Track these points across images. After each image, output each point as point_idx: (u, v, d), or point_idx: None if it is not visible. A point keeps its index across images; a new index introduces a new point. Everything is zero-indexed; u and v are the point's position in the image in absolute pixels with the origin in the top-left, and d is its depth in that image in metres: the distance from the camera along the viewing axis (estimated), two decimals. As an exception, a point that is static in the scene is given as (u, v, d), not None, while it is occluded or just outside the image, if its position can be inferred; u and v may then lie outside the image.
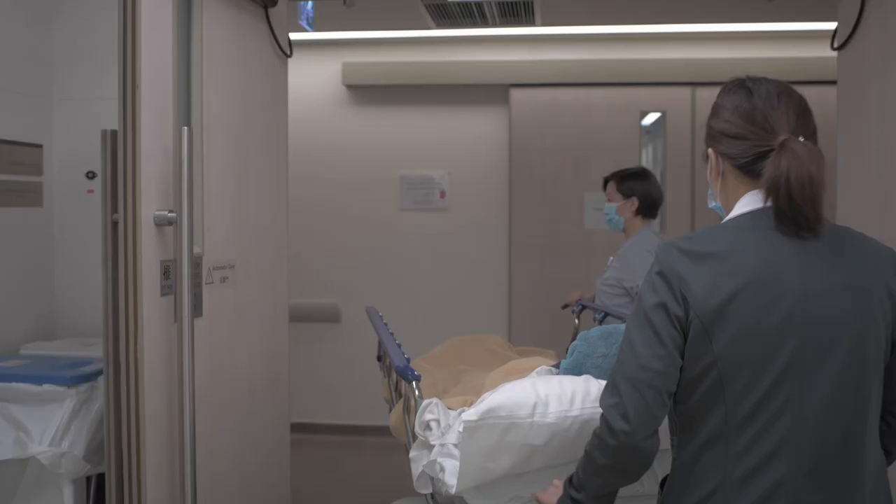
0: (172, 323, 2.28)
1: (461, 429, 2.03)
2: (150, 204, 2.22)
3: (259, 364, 3.02)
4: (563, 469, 1.96)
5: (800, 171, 1.50)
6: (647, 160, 5.81)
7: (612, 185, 4.02)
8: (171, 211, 2.24)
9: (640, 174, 4.00)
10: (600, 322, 3.50)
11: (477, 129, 5.88)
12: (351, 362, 5.74)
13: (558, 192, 5.74)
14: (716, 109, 1.73)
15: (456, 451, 2.11)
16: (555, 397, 2.01)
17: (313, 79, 5.94)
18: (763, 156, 1.58)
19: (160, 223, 2.25)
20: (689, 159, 5.65)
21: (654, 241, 3.68)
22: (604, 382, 1.71)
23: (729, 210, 1.68)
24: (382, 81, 5.84)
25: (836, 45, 3.13)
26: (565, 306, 4.39)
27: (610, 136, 5.70)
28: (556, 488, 1.79)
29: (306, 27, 4.42)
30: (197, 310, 2.49)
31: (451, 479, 2.08)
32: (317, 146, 5.91)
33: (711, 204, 1.79)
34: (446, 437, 2.17)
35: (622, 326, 2.13)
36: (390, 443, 3.50)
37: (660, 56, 5.64)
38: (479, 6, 4.80)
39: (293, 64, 5.89)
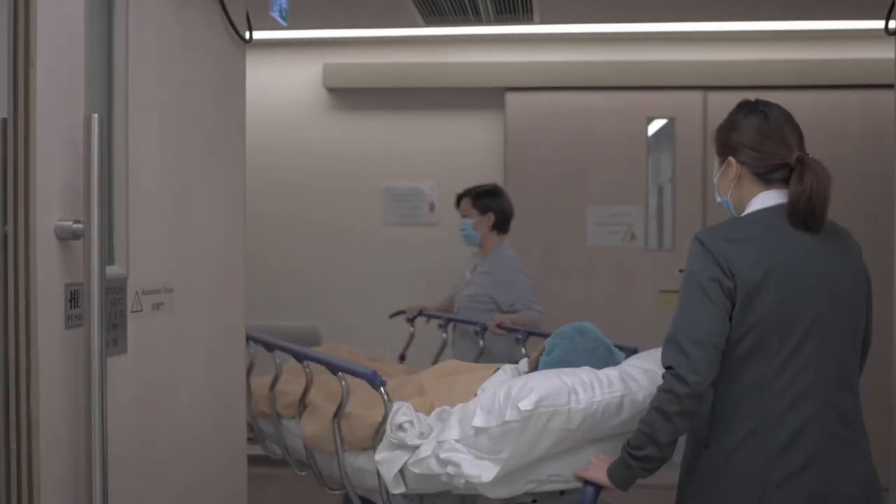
0: (82, 362, 1.79)
1: (504, 419, 2.24)
2: (50, 212, 1.73)
3: (206, 404, 2.53)
4: (579, 451, 2.37)
5: (819, 186, 1.99)
6: (654, 170, 5.38)
7: (466, 202, 4.38)
8: (77, 221, 1.76)
9: (495, 191, 4.43)
10: (524, 342, 3.91)
11: (469, 136, 5.48)
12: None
13: (558, 205, 5.33)
14: (734, 125, 2.17)
15: (460, 446, 2.33)
16: (579, 385, 2.32)
17: (291, 81, 5.55)
18: (778, 167, 2.07)
19: (64, 236, 1.76)
20: (700, 168, 5.22)
21: (517, 259, 4.35)
22: (609, 371, 2.46)
23: (741, 206, 2.14)
24: (367, 84, 5.45)
25: (892, 28, 2.69)
26: (397, 314, 4.70)
27: (614, 145, 5.30)
28: (601, 461, 2.21)
29: (279, 20, 3.96)
30: (118, 345, 2.00)
31: (472, 470, 2.28)
32: (294, 154, 5.52)
33: (719, 199, 2.23)
34: (444, 433, 2.38)
35: (589, 324, 2.82)
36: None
37: (668, 58, 5.25)
38: (473, 2, 4.49)
39: (269, 65, 5.60)
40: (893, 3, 2.73)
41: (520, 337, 3.94)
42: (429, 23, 4.94)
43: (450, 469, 2.32)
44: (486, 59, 5.38)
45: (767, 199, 2.07)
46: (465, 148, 5.48)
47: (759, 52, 5.20)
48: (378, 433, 2.55)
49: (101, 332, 1.75)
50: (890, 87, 5.03)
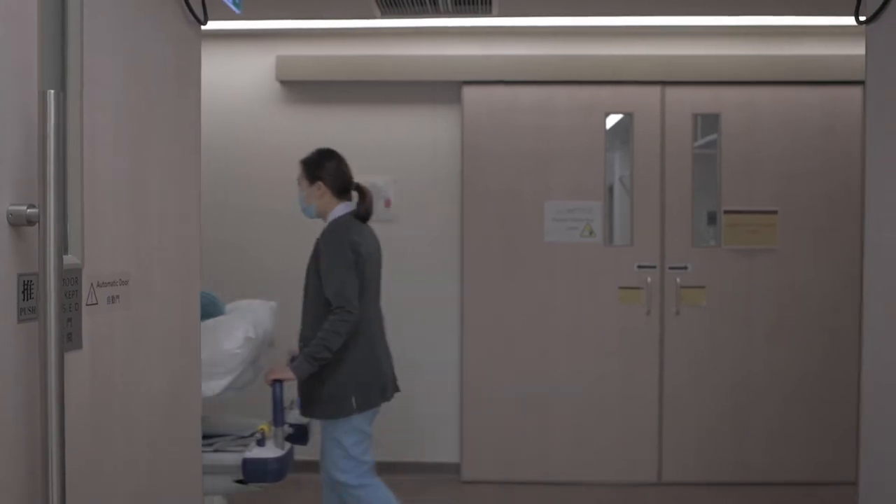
0: (37, 359, 1.65)
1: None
2: (2, 196, 1.60)
3: (162, 404, 2.39)
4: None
5: (371, 199, 3.72)
6: (612, 165, 5.35)
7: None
8: (31, 206, 1.63)
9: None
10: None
11: (426, 130, 5.39)
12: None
13: (516, 200, 5.26)
14: (323, 161, 3.74)
15: None
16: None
17: (243, 73, 5.40)
18: (347, 188, 3.71)
19: (17, 222, 1.63)
20: (659, 163, 5.20)
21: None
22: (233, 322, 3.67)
23: (324, 213, 3.69)
24: (321, 77, 5.31)
25: (863, 17, 2.65)
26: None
27: (572, 139, 5.24)
28: (280, 367, 3.58)
29: (232, 6, 3.82)
30: (73, 340, 1.87)
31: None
32: (246, 149, 5.37)
33: (308, 212, 3.76)
34: None
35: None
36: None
37: (627, 52, 5.20)
38: (431, -7, 4.39)
39: (221, 57, 5.44)
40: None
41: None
42: (386, 14, 4.84)
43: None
44: (443, 52, 5.28)
45: (345, 207, 3.66)
46: (422, 142, 5.38)
47: (717, 48, 5.19)
48: None
49: (58, 326, 1.62)
50: (849, 83, 5.10)
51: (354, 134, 5.32)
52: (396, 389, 3.77)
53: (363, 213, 3.68)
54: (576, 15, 4.95)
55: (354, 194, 3.72)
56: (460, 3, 4.61)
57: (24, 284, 1.67)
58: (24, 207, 1.63)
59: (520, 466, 5.28)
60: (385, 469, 5.24)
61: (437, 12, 4.76)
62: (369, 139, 5.33)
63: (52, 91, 1.60)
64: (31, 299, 1.69)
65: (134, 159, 2.20)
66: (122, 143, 2.13)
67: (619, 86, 5.22)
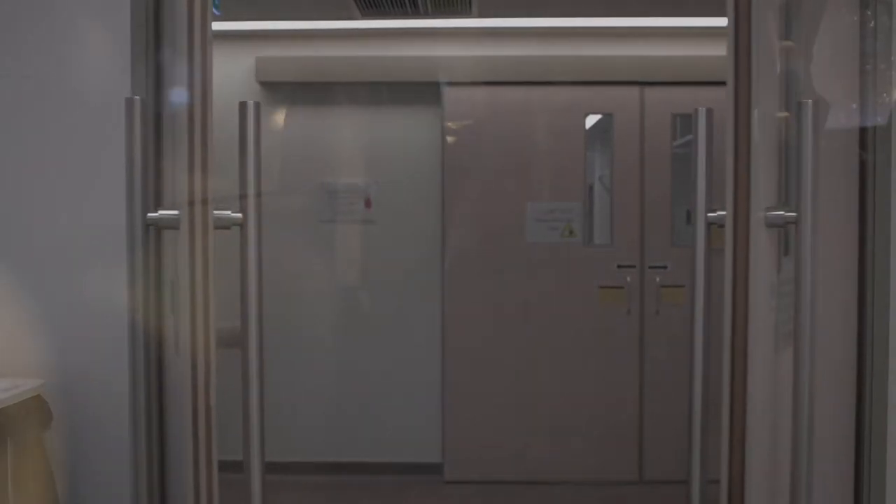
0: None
1: None
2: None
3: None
4: None
5: None
6: (592, 165, 5.39)
7: None
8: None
9: None
10: None
11: (407, 131, 5.40)
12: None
13: (497, 201, 5.28)
14: None
15: None
16: None
17: (223, 75, 5.31)
18: None
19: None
20: (638, 163, 5.24)
21: None
22: None
23: None
24: (301, 78, 5.31)
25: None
26: None
27: (553, 140, 5.28)
28: None
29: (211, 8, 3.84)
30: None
31: None
32: (226, 150, 5.34)
33: None
34: None
35: None
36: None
37: (606, 53, 5.24)
38: (411, -6, 4.40)
39: None
40: None
41: None
42: (366, 16, 4.85)
43: None
44: (423, 53, 5.30)
45: None
46: (403, 143, 5.39)
47: (696, 48, 5.23)
48: None
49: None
50: None
51: (335, 135, 5.33)
52: None
53: None
54: (554, 16, 4.99)
55: None
56: (440, 5, 4.63)
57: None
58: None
59: (502, 466, 5.29)
60: (367, 470, 5.27)
61: (417, 13, 4.78)
62: (350, 141, 5.35)
63: None
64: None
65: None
66: None
67: (598, 86, 5.25)
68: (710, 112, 2.17)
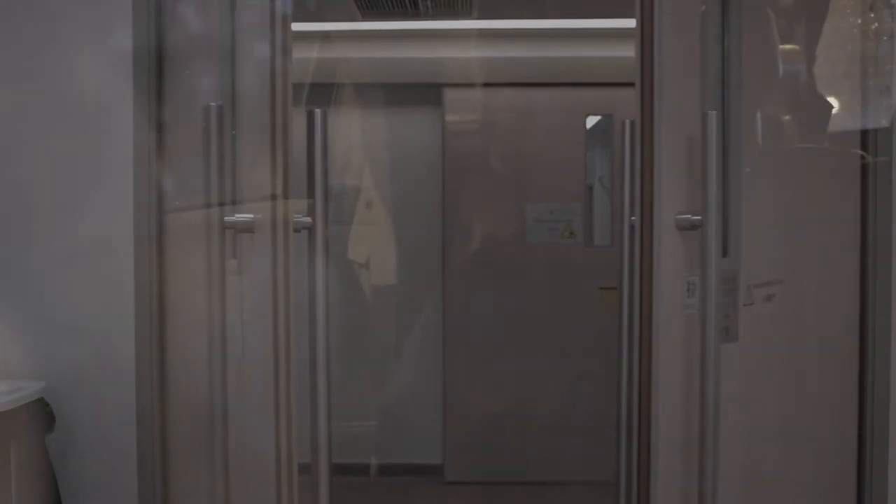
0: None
1: None
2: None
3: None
4: None
5: None
6: (592, 166, 5.40)
7: None
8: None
9: None
10: None
11: (407, 133, 5.42)
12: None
13: (497, 202, 5.29)
14: None
15: None
16: None
17: (224, 76, 5.38)
18: None
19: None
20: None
21: None
22: None
23: None
24: (300, 80, 5.29)
25: None
26: None
27: (553, 141, 5.29)
28: None
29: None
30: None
31: None
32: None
33: None
34: None
35: None
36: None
37: (606, 54, 5.24)
38: (411, -4, 4.41)
39: None
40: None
41: None
42: (367, 17, 4.86)
43: None
44: (424, 54, 5.31)
45: None
46: (404, 145, 5.41)
47: (695, 49, 5.25)
48: None
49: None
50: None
51: (334, 137, 5.33)
52: None
53: None
54: (556, 18, 5.00)
55: None
56: (440, 7, 4.64)
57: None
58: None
59: (504, 467, 5.30)
60: (368, 471, 5.28)
61: (417, 15, 4.79)
62: (350, 142, 5.36)
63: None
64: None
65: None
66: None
67: (598, 87, 5.26)
68: (633, 123, 2.43)
